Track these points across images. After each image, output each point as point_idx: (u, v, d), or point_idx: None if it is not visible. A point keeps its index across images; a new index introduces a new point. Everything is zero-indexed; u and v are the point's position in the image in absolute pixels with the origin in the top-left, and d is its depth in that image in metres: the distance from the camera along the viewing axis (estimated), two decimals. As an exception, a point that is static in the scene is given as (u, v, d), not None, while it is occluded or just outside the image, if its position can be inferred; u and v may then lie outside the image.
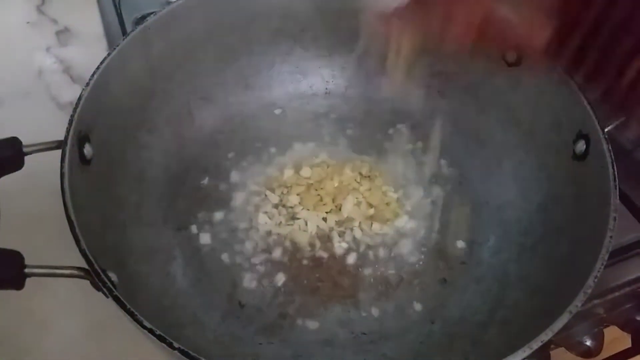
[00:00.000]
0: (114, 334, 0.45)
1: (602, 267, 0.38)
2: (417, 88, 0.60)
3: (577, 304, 0.36)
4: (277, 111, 0.60)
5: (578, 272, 0.39)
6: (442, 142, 0.58)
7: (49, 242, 0.46)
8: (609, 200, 0.41)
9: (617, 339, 0.54)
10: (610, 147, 0.43)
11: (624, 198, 0.54)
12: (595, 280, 0.37)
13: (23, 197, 0.52)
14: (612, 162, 0.43)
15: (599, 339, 0.53)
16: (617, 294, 0.51)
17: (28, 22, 0.71)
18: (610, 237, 0.39)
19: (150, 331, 0.33)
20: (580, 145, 0.46)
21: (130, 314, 0.34)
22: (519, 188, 0.53)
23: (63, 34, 0.70)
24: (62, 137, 0.41)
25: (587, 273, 0.37)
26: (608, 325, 0.54)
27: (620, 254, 0.52)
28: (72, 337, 0.46)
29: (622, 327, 0.54)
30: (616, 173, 0.42)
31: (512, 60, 0.52)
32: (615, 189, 0.42)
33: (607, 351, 0.53)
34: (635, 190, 0.55)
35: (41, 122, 0.59)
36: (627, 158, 0.60)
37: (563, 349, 0.53)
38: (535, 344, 0.34)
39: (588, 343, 0.52)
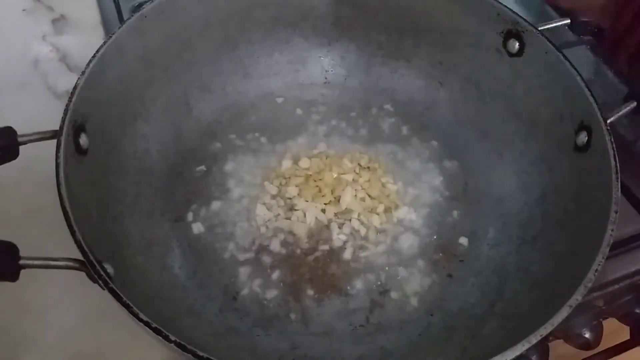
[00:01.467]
0: (110, 325, 0.44)
1: (603, 260, 0.37)
2: (418, 78, 0.59)
3: (577, 298, 0.36)
4: (278, 100, 0.59)
5: (578, 265, 0.39)
6: (442, 133, 0.58)
7: (44, 233, 0.46)
8: (611, 193, 0.40)
9: (615, 331, 0.54)
10: (612, 139, 0.43)
11: (625, 189, 0.54)
12: (596, 274, 0.37)
13: (18, 187, 0.51)
14: (614, 155, 0.42)
15: (597, 331, 0.53)
16: (616, 286, 0.51)
17: (24, 10, 0.70)
18: (612, 230, 0.39)
19: (147, 324, 0.33)
20: (582, 137, 0.46)
21: (126, 307, 0.33)
22: (519, 180, 0.52)
23: (59, 22, 0.69)
24: (57, 127, 0.40)
25: (587, 267, 0.37)
26: (607, 318, 0.54)
27: (621, 246, 0.51)
28: (68, 329, 0.46)
29: (621, 320, 0.54)
30: (618, 165, 0.42)
31: (514, 50, 0.52)
32: (617, 181, 0.41)
33: (606, 343, 0.53)
34: (637, 182, 0.55)
35: (37, 111, 0.58)
36: (628, 149, 0.59)
37: (561, 340, 0.53)
38: (535, 338, 0.34)
39: (587, 335, 0.52)
